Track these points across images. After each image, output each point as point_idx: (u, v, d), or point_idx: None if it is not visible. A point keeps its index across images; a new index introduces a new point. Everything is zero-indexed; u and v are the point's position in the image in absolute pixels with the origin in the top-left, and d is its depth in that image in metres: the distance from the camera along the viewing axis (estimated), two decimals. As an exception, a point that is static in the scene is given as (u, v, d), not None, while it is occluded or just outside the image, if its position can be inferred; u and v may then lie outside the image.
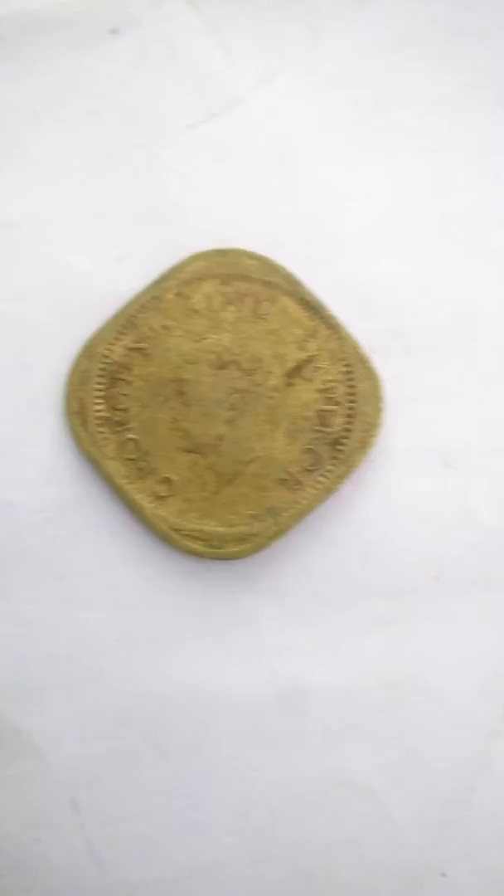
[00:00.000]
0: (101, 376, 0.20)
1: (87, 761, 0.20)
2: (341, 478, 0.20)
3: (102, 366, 0.20)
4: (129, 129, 0.21)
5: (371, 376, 0.20)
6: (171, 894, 0.20)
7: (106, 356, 0.20)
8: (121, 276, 0.21)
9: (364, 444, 0.20)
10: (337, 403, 0.20)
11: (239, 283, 0.20)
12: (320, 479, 0.20)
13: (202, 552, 0.20)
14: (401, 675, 0.20)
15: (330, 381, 0.20)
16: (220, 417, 0.20)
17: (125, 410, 0.20)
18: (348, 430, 0.20)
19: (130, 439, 0.20)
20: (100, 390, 0.20)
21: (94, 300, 0.21)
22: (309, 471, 0.20)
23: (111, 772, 0.20)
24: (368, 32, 0.21)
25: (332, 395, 0.20)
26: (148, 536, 0.20)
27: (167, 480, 0.20)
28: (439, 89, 0.21)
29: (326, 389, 0.20)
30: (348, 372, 0.20)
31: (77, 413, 0.20)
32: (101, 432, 0.20)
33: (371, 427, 0.20)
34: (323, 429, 0.20)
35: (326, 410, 0.20)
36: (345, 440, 0.20)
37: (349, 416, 0.20)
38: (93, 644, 0.20)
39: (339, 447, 0.20)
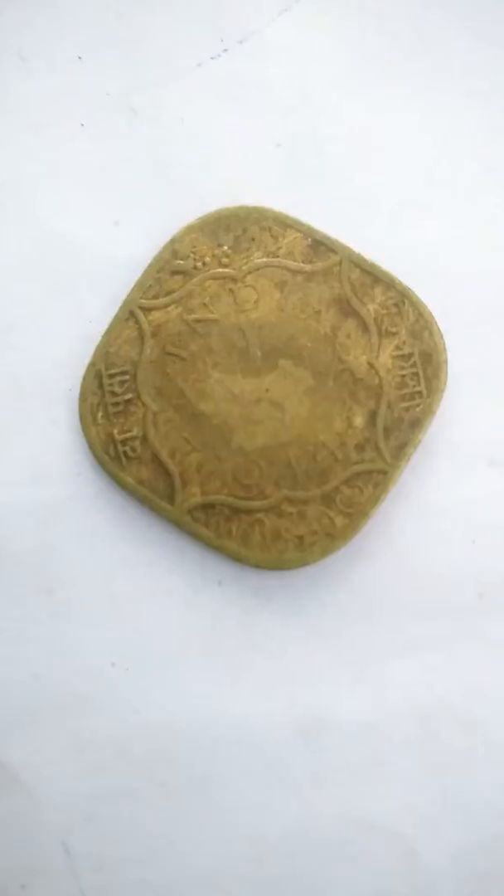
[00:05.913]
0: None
1: (80, 799, 0.19)
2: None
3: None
4: (128, 69, 0.20)
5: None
6: None
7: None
8: (119, 242, 0.20)
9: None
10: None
11: None
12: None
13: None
14: (436, 705, 0.19)
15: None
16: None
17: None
18: None
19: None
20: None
21: (88, 269, 0.20)
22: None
23: (107, 811, 0.19)
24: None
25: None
26: (156, 542, 0.19)
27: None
28: (488, 22, 0.20)
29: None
30: None
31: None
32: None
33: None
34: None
35: None
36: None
37: None
38: (86, 666, 0.19)
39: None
